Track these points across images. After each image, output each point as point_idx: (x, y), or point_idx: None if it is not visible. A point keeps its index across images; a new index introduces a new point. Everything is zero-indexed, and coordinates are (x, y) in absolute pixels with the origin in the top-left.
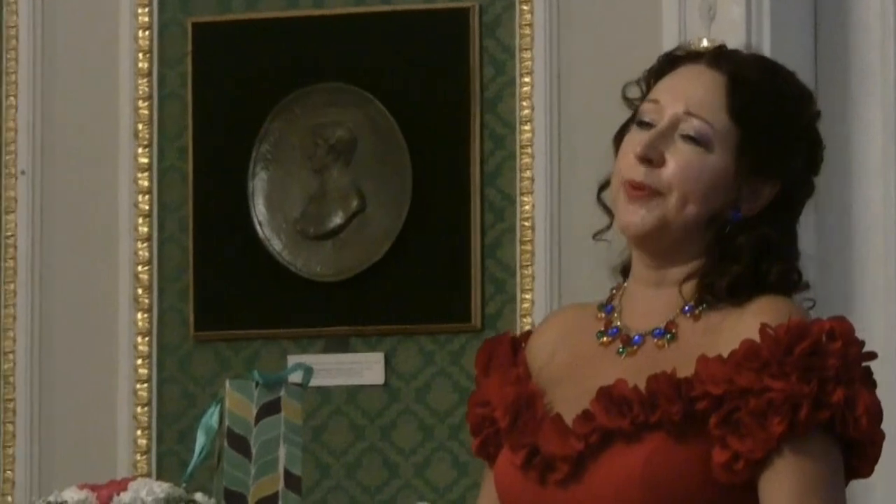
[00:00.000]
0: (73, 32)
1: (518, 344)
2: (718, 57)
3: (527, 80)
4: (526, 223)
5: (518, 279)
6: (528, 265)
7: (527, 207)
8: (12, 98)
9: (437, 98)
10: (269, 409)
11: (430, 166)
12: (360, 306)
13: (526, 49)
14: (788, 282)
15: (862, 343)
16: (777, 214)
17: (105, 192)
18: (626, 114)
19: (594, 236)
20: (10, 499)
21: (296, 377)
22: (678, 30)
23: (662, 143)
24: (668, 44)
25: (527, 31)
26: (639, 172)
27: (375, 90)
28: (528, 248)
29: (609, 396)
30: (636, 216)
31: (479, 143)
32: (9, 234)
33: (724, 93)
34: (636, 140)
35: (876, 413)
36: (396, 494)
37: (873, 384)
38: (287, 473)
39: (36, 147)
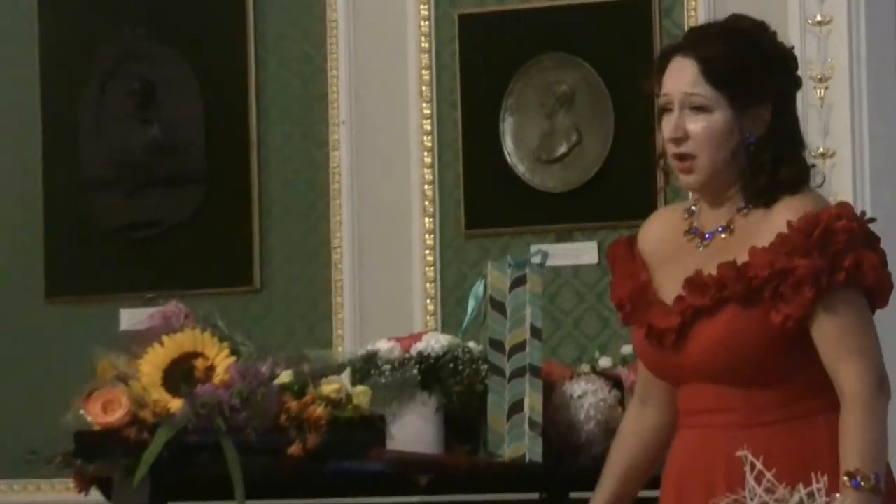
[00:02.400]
0: (377, 23)
1: (633, 242)
2: (685, 47)
3: None
4: None
5: None
6: (661, 189)
7: None
8: (335, 71)
9: (630, 62)
10: (519, 282)
11: (627, 111)
12: (581, 209)
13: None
14: (801, 180)
15: (862, 216)
16: (781, 121)
17: (401, 134)
18: None
19: (658, 191)
20: (340, 349)
21: (536, 260)
22: (799, 11)
23: (682, 120)
24: (792, 18)
25: (692, 13)
26: (676, 148)
27: (587, 58)
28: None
29: (693, 283)
30: (690, 180)
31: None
32: (335, 164)
33: (699, 71)
34: (666, 125)
35: (879, 266)
36: (608, 341)
37: (876, 240)
38: (532, 327)
39: (353, 103)
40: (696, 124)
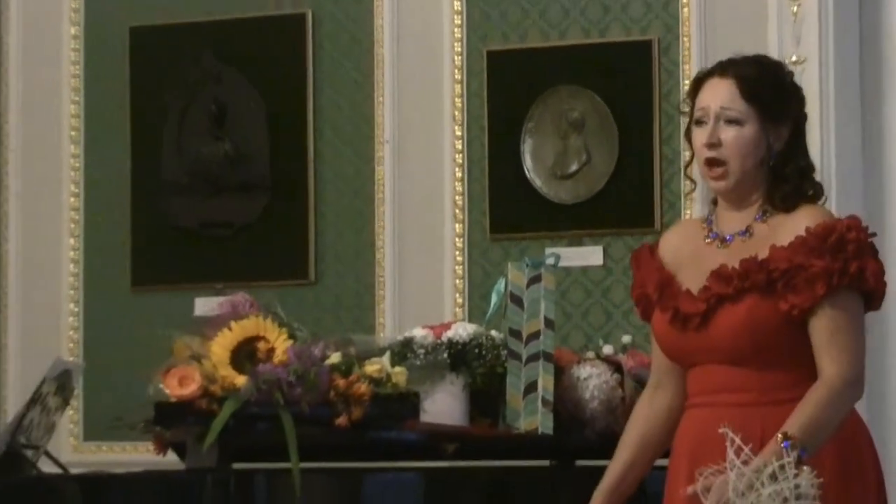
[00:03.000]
0: (417, 56)
1: (653, 249)
2: (722, 69)
3: (687, 81)
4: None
5: (682, 201)
6: (689, 192)
7: (687, 154)
8: (381, 97)
9: (632, 93)
10: (535, 279)
11: (630, 135)
12: (589, 218)
13: (686, 63)
14: (817, 193)
15: (867, 229)
16: (796, 142)
17: (436, 152)
18: None
19: (686, 195)
20: (381, 335)
21: (550, 261)
22: (777, 52)
23: (716, 130)
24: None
25: (686, 52)
26: (709, 153)
27: (596, 89)
28: (688, 183)
29: (718, 274)
30: (720, 183)
31: (659, 119)
32: (379, 177)
33: (736, 89)
34: (700, 134)
35: (878, 273)
36: (611, 332)
37: (876, 253)
38: (545, 318)
39: (395, 125)
40: (728, 134)
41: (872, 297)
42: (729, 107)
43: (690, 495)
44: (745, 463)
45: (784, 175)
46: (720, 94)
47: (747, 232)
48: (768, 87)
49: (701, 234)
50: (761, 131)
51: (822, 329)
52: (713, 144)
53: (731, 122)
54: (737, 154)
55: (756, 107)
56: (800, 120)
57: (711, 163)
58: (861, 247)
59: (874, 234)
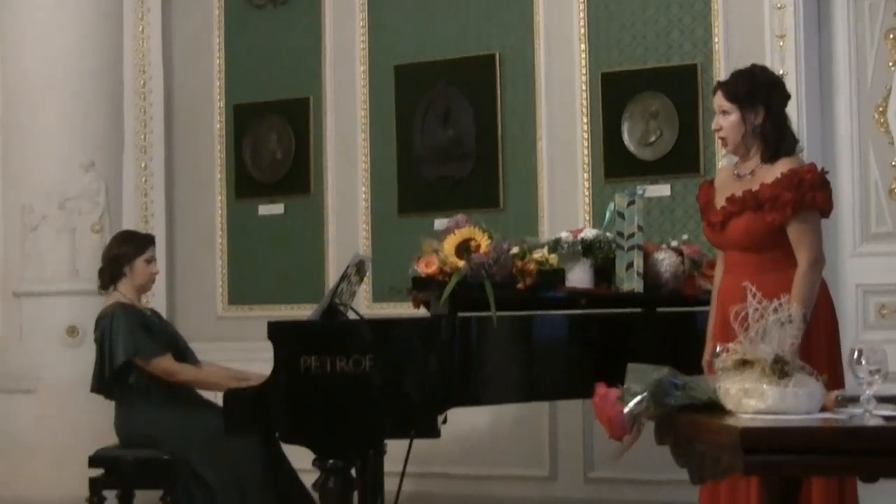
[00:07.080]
0: (560, 78)
1: (711, 182)
2: (721, 84)
3: None
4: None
5: (716, 158)
6: (723, 156)
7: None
8: (539, 102)
9: (687, 95)
10: (631, 203)
11: (685, 119)
12: (662, 168)
13: (717, 76)
14: (791, 148)
15: (820, 169)
16: (771, 117)
17: (572, 134)
18: None
19: (724, 156)
20: (543, 236)
21: (640, 192)
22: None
23: (719, 120)
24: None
25: (717, 70)
26: (718, 133)
27: (665, 93)
28: (720, 147)
29: (730, 199)
30: (726, 147)
31: (702, 111)
32: (539, 149)
33: (724, 95)
34: (714, 122)
35: (826, 198)
36: (675, 233)
37: (827, 184)
38: (638, 225)
39: (549, 117)
40: (725, 121)
41: (824, 212)
42: (721, 105)
43: (730, 321)
44: (759, 302)
45: (766, 140)
46: (717, 99)
47: (752, 173)
48: (742, 89)
49: (731, 173)
50: (741, 116)
51: (794, 234)
52: (718, 129)
53: (724, 113)
54: (730, 131)
55: (735, 102)
56: (771, 102)
57: (720, 138)
58: (814, 182)
59: (827, 172)
